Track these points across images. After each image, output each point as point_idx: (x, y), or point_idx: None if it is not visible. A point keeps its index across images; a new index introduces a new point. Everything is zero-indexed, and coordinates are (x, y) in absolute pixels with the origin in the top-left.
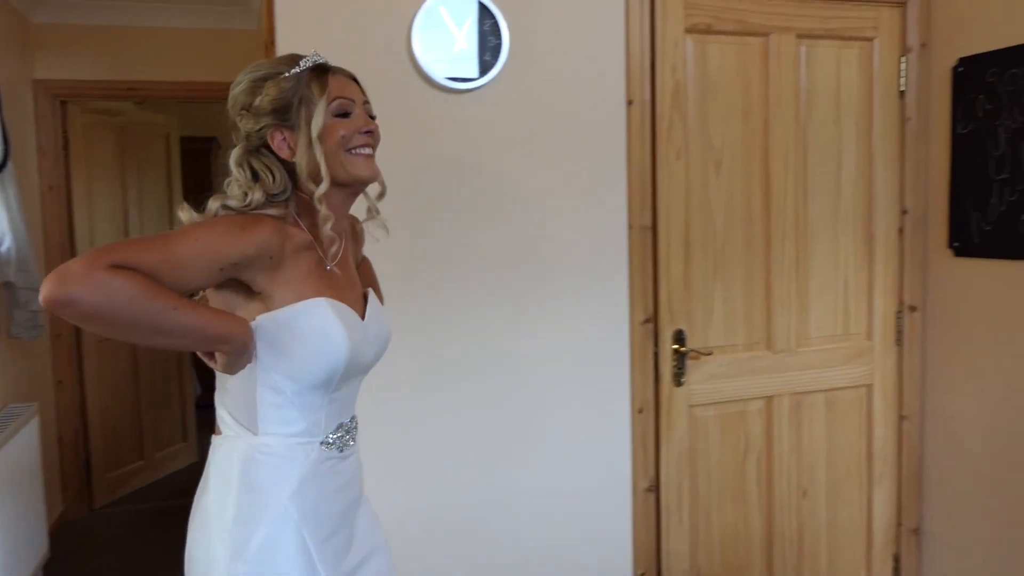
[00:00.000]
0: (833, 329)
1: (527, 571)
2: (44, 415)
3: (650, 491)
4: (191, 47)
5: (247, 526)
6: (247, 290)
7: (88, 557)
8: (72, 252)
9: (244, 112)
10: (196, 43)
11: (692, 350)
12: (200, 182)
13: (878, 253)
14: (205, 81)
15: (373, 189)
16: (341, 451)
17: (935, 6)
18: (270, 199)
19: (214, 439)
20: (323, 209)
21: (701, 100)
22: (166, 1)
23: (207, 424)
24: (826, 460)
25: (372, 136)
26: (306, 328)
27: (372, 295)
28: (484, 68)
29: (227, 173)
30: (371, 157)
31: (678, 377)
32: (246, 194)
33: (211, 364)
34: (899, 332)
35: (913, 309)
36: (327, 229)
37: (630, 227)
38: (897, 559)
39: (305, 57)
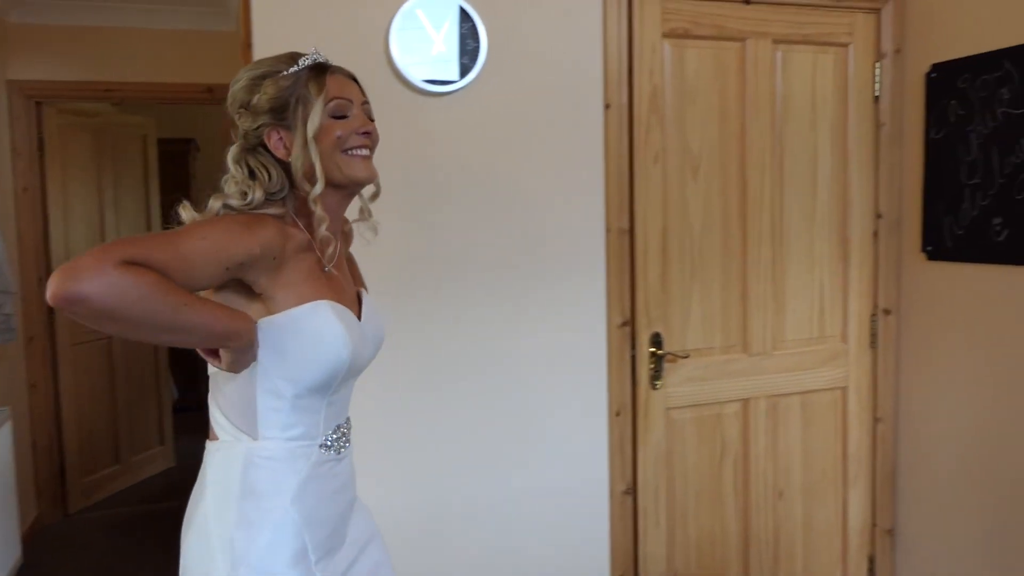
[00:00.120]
0: (809, 332)
1: (503, 573)
2: (17, 419)
3: (627, 494)
4: (169, 48)
5: (248, 531)
6: (248, 292)
7: (62, 563)
8: (47, 254)
9: (242, 110)
10: (174, 44)
11: (669, 353)
12: (178, 184)
13: (853, 257)
14: (183, 83)
15: (367, 190)
16: (338, 453)
17: (909, 13)
18: (269, 197)
19: (209, 444)
20: (318, 210)
21: (678, 104)
22: (143, 2)
23: (185, 428)
24: (802, 462)
25: (369, 137)
26: (308, 331)
27: (366, 295)
28: (462, 71)
29: (226, 170)
30: (368, 158)
31: (655, 380)
32: (245, 193)
33: (214, 363)
34: (873, 335)
35: (887, 312)
36: (323, 230)
37: (607, 230)
38: (872, 560)
39: (305, 55)
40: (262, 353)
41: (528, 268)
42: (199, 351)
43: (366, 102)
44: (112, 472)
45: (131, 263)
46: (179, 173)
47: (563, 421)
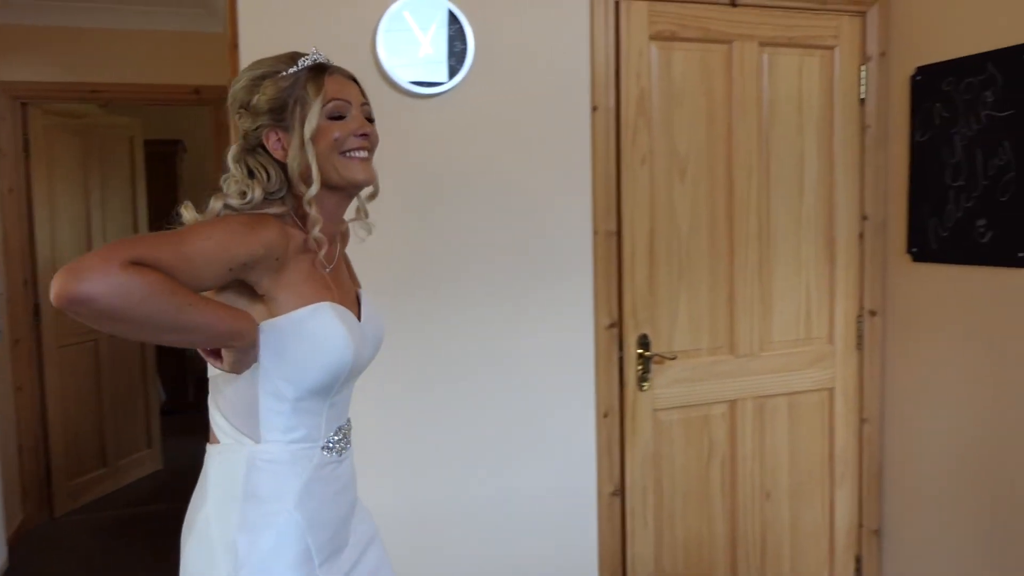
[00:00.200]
0: (795, 333)
1: (491, 574)
2: (3, 422)
3: (615, 495)
4: (156, 49)
5: (251, 535)
6: (250, 293)
7: (48, 566)
8: (32, 256)
9: (242, 110)
10: (161, 46)
11: (656, 354)
12: (165, 185)
13: (839, 258)
14: (170, 84)
15: (365, 190)
16: (340, 455)
17: (894, 16)
18: (268, 197)
19: (209, 447)
20: (312, 212)
21: (666, 107)
22: (130, 3)
23: (172, 430)
24: (789, 463)
25: (368, 139)
26: (309, 333)
27: (365, 296)
28: (449, 73)
29: (226, 170)
30: (367, 160)
31: (643, 382)
32: (245, 192)
33: (216, 364)
34: (859, 336)
35: (873, 314)
36: (316, 231)
37: (595, 232)
38: (859, 560)
39: (305, 56)
40: (263, 355)
41: (516, 270)
42: (201, 352)
43: (366, 103)
44: (99, 475)
45: (136, 263)
46: (166, 174)
47: (551, 423)
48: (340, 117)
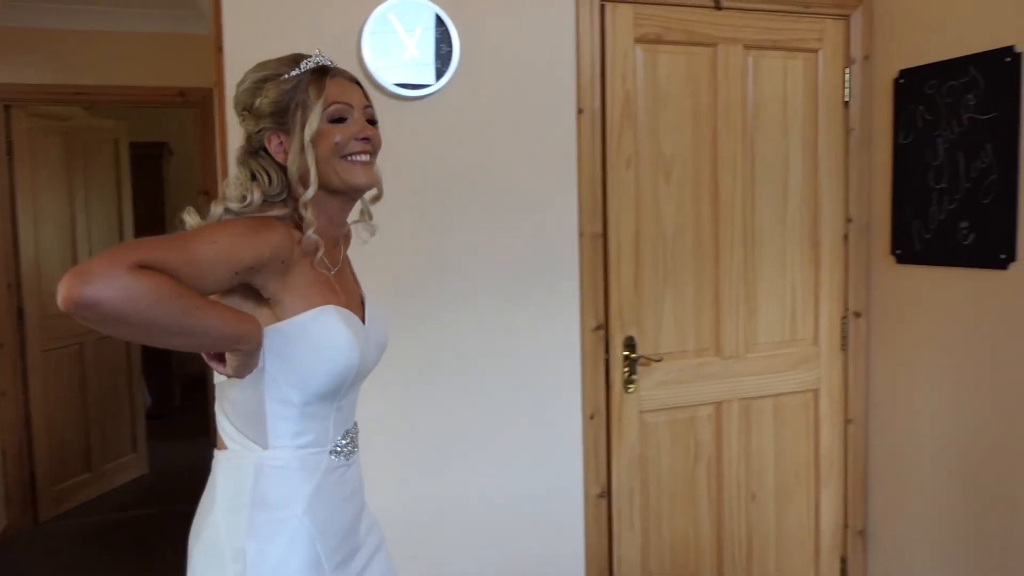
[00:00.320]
0: (780, 335)
1: None
2: None
3: (602, 497)
4: (141, 51)
5: (261, 542)
6: (255, 297)
7: (33, 572)
8: (16, 259)
9: (246, 113)
10: (146, 47)
11: (642, 356)
12: (151, 188)
13: (824, 260)
14: (155, 86)
15: (369, 192)
16: (347, 459)
17: (877, 19)
18: (270, 200)
19: (217, 453)
20: (308, 215)
21: (651, 109)
22: (115, 5)
23: (157, 435)
24: (774, 464)
25: (369, 143)
26: (314, 337)
27: (368, 298)
28: (435, 76)
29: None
30: (368, 164)
31: (629, 383)
32: (245, 196)
33: (219, 369)
34: (844, 338)
35: (857, 315)
36: (310, 233)
37: (581, 234)
38: (844, 560)
39: (308, 58)
40: (269, 361)
41: (502, 272)
42: (204, 357)
43: (368, 106)
44: (84, 480)
45: (143, 266)
46: (152, 177)
47: (537, 425)
48: (341, 120)
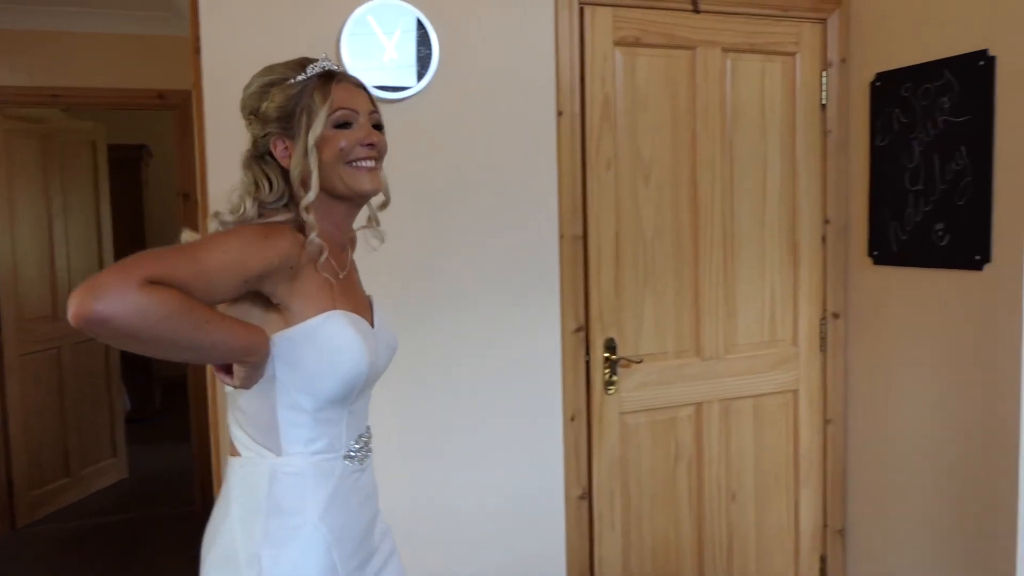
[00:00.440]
0: (760, 336)
1: None
2: None
3: (583, 499)
4: (119, 53)
5: (276, 548)
6: (264, 302)
7: None
8: None
9: (252, 117)
10: (124, 49)
11: (623, 358)
12: (130, 191)
13: (802, 261)
14: (134, 88)
15: (376, 199)
16: (361, 463)
17: (854, 23)
18: (268, 207)
19: (231, 460)
20: (309, 218)
21: (630, 112)
22: (93, 6)
23: (137, 439)
24: (754, 465)
25: (375, 148)
26: (323, 343)
27: (377, 302)
28: (415, 78)
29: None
30: (374, 170)
31: (609, 385)
32: (238, 207)
33: (227, 380)
34: (823, 338)
35: (836, 316)
36: (312, 237)
37: (561, 237)
38: (824, 560)
39: (314, 62)
40: (280, 368)
41: (482, 274)
42: (213, 368)
43: (375, 111)
44: (62, 485)
45: (154, 282)
46: (131, 179)
47: (518, 427)
48: (347, 125)
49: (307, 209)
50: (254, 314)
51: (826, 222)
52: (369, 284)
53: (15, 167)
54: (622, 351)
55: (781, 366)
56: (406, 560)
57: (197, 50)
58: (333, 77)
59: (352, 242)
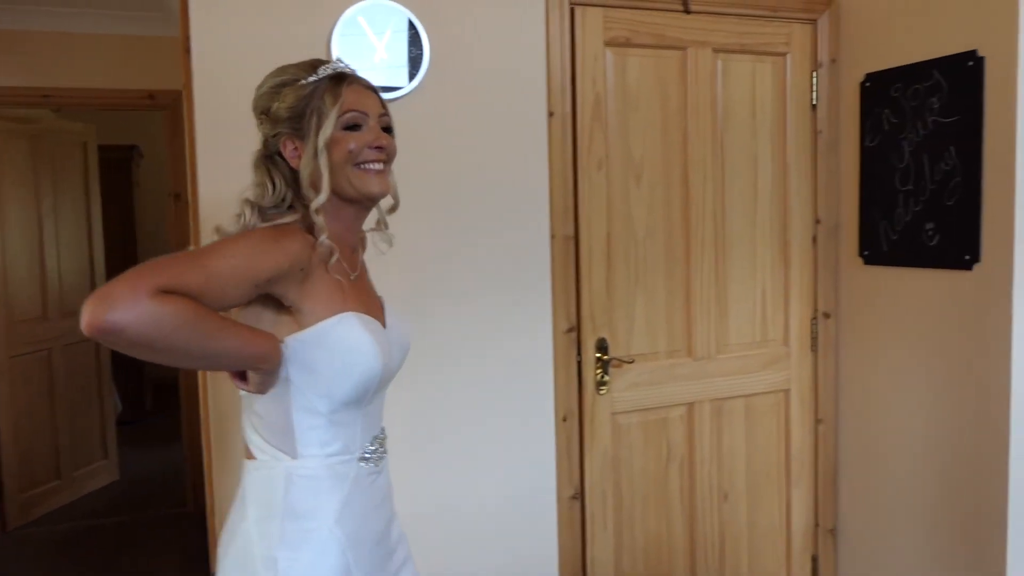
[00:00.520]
0: (751, 336)
1: None
2: None
3: (575, 499)
4: (109, 53)
5: (292, 551)
6: (276, 304)
7: None
8: None
9: (263, 116)
10: (114, 49)
11: (615, 358)
12: (121, 191)
13: (793, 261)
14: (124, 88)
15: (385, 202)
16: (377, 465)
17: (844, 23)
18: (273, 209)
19: (247, 463)
20: (319, 220)
21: (621, 112)
22: (84, 7)
23: (129, 441)
24: (746, 464)
25: (383, 151)
26: (337, 345)
27: (389, 302)
28: (407, 78)
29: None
30: (382, 172)
31: (601, 385)
32: (240, 216)
33: (242, 386)
34: (814, 338)
35: (827, 316)
36: (323, 239)
37: (552, 237)
38: (815, 559)
39: (326, 64)
40: (294, 371)
41: (474, 275)
42: (228, 374)
43: (385, 114)
44: (53, 487)
45: (165, 291)
46: (122, 180)
47: (510, 427)
48: (356, 127)
49: (317, 211)
50: (266, 316)
51: (817, 222)
52: None
53: (5, 168)
54: (614, 351)
55: (772, 366)
56: None
57: (187, 51)
58: (344, 79)
59: (362, 243)
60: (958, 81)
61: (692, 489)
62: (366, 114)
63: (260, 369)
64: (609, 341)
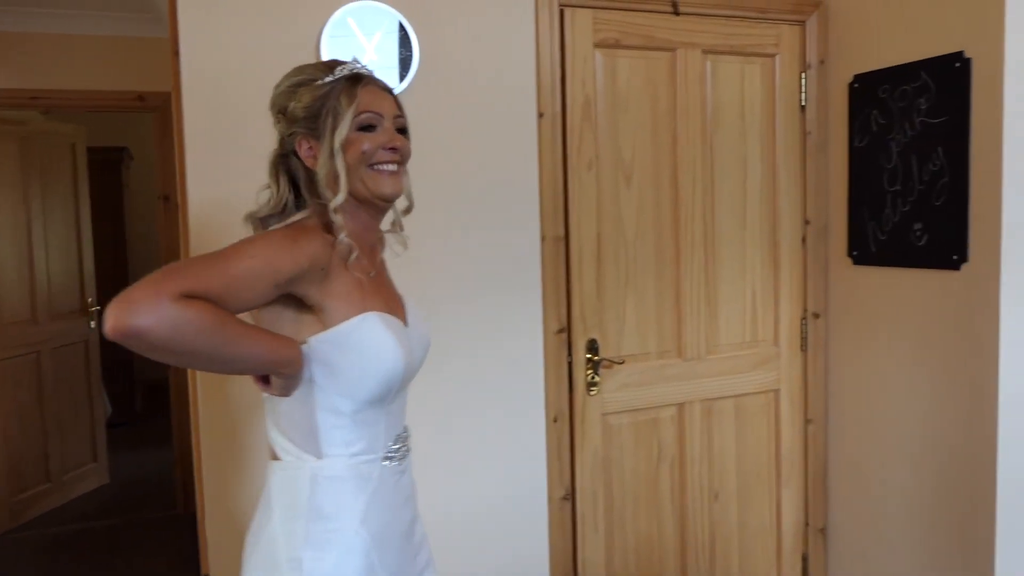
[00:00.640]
0: (741, 336)
1: None
2: None
3: (566, 500)
4: (98, 55)
5: (317, 551)
6: (297, 304)
7: None
8: None
9: (280, 115)
10: (104, 51)
11: (605, 359)
12: (110, 193)
13: (783, 262)
14: (113, 90)
15: (400, 203)
16: (400, 464)
17: (832, 25)
18: (268, 220)
19: (272, 465)
20: (338, 219)
21: (611, 113)
22: (72, 8)
23: (119, 443)
24: (736, 464)
25: (397, 152)
26: (360, 345)
27: (409, 300)
28: (397, 80)
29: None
30: (396, 174)
31: (592, 386)
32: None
33: (265, 389)
34: (803, 338)
35: (816, 316)
36: (342, 238)
37: (543, 238)
38: (805, 559)
39: (343, 64)
40: (317, 372)
41: (464, 276)
42: (252, 379)
43: (400, 115)
44: (43, 490)
45: (188, 295)
46: (112, 182)
47: (500, 428)
48: (371, 128)
49: (335, 211)
50: (286, 316)
51: (806, 223)
52: None
53: None
54: (604, 352)
55: (762, 366)
56: None
57: (176, 52)
58: (360, 80)
59: (381, 242)
60: (945, 82)
61: (683, 489)
62: (381, 115)
63: (282, 374)
64: (600, 342)
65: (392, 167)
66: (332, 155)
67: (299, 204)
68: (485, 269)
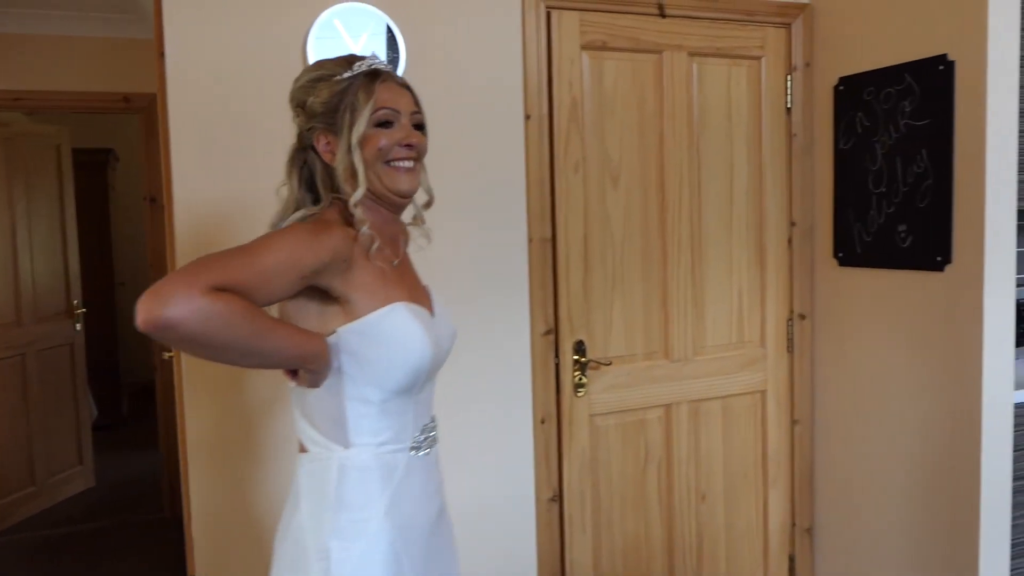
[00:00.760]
0: (728, 337)
1: None
2: None
3: (553, 501)
4: (83, 56)
5: (344, 541)
6: (321, 296)
7: None
8: None
9: (299, 109)
10: (89, 52)
11: (592, 360)
12: (95, 195)
13: (769, 263)
14: (98, 91)
15: (419, 197)
16: (427, 454)
17: (818, 28)
18: (279, 224)
19: (300, 456)
20: (358, 213)
21: (598, 115)
22: (57, 8)
23: (105, 446)
24: (723, 465)
25: (413, 149)
26: (387, 335)
27: (433, 291)
28: None
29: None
30: (412, 170)
31: (579, 387)
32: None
33: (295, 382)
34: (790, 339)
35: (802, 317)
36: (364, 229)
37: (530, 239)
38: (792, 559)
39: (362, 60)
40: (346, 362)
41: (451, 278)
42: (282, 372)
43: (417, 112)
44: (28, 494)
45: (218, 288)
46: (97, 184)
47: (488, 430)
48: (388, 124)
49: (355, 205)
50: (311, 308)
51: (792, 224)
52: None
53: None
54: (591, 353)
55: (749, 367)
56: None
57: (161, 54)
58: (378, 76)
59: (405, 235)
60: (929, 85)
61: (670, 490)
62: (398, 111)
63: (309, 368)
64: (587, 343)
65: (408, 163)
66: (350, 150)
67: (315, 200)
68: (472, 271)
